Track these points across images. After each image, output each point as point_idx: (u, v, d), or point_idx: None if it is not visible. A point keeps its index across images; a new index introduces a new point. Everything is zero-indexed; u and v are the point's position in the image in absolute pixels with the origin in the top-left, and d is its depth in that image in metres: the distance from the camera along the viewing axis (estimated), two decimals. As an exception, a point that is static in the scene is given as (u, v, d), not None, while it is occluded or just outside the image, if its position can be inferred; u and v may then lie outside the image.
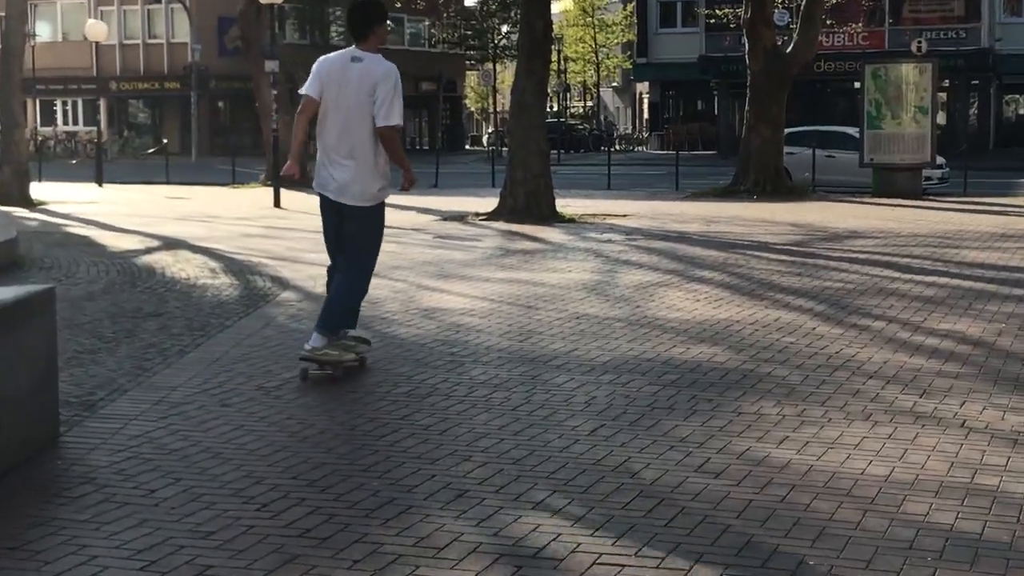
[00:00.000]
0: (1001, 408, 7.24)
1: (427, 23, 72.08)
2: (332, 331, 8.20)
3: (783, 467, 6.06)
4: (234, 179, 36.18)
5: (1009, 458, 6.18)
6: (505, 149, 34.17)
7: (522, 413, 7.22)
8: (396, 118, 8.06)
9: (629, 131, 78.95)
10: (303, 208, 23.43)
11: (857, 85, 28.73)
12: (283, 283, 13.16)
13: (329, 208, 8.36)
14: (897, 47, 48.25)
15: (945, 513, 5.33)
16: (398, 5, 58.46)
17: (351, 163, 8.15)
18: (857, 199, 26.64)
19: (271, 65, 31.20)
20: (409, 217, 21.80)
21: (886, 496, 5.58)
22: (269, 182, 30.29)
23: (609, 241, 17.64)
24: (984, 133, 56.81)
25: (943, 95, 52.86)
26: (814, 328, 9.98)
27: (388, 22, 8.46)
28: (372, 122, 8.06)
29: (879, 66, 28.43)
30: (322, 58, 8.43)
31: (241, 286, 13.00)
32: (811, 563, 4.76)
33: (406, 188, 8.62)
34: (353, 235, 8.30)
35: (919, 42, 30.87)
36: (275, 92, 31.78)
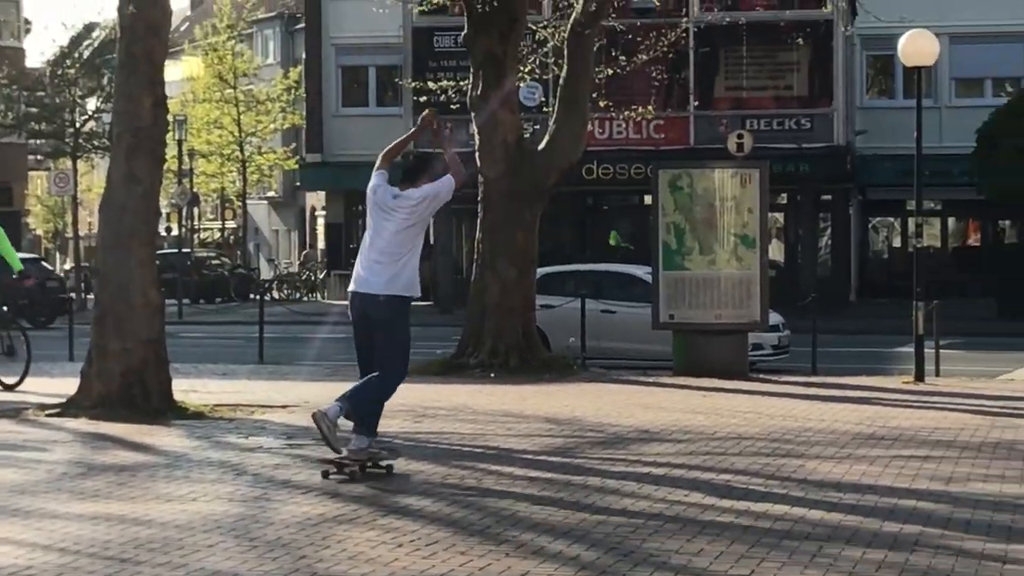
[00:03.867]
0: None
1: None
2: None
3: None
4: None
5: None
6: (92, 298, 33.84)
7: None
8: None
9: (295, 270, 79.24)
10: None
11: (648, 200, 29.49)
12: None
13: None
14: (706, 142, 50.07)
15: None
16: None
17: None
18: (651, 379, 27.22)
19: None
20: (-70, 410, 21.32)
21: None
22: None
23: (259, 448, 17.55)
24: (842, 276, 59.00)
25: (779, 217, 54.91)
26: (581, 589, 10.11)
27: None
28: None
29: (681, 172, 28.91)
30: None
31: None
32: None
33: None
34: None
35: (740, 135, 31.99)
36: None
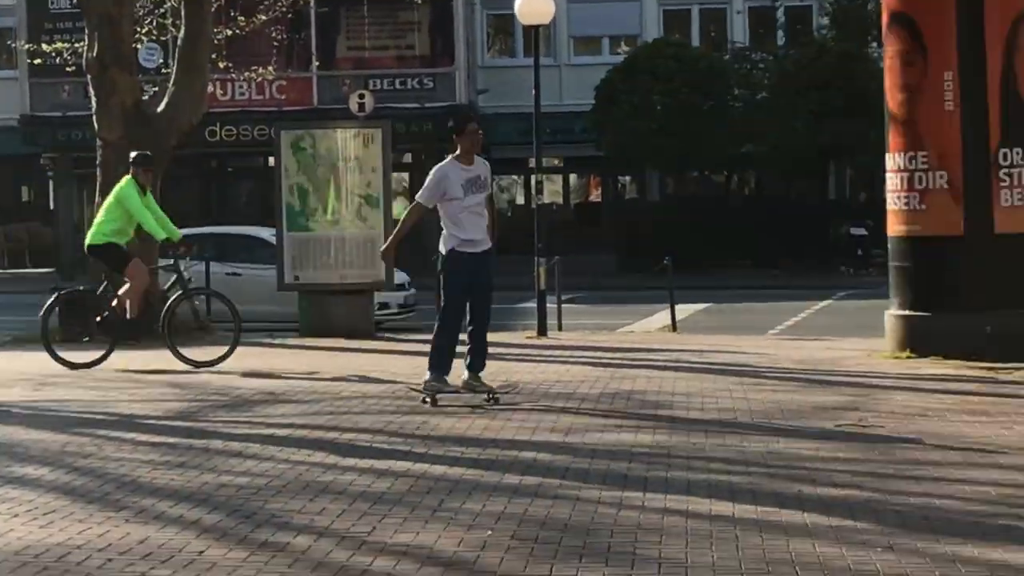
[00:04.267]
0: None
1: None
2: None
3: None
4: None
5: None
6: None
7: None
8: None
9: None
10: None
11: (271, 162, 29.42)
12: None
13: None
14: (330, 103, 50.10)
15: None
16: None
17: None
18: (277, 340, 27.18)
19: None
20: None
21: None
22: None
23: None
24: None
25: (403, 176, 55.12)
26: (201, 553, 10.09)
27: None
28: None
29: (303, 133, 28.80)
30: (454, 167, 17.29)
31: None
32: None
33: None
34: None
35: (362, 94, 32.13)
36: None
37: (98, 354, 22.32)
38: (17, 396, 19.14)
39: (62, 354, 22.34)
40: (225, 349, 22.59)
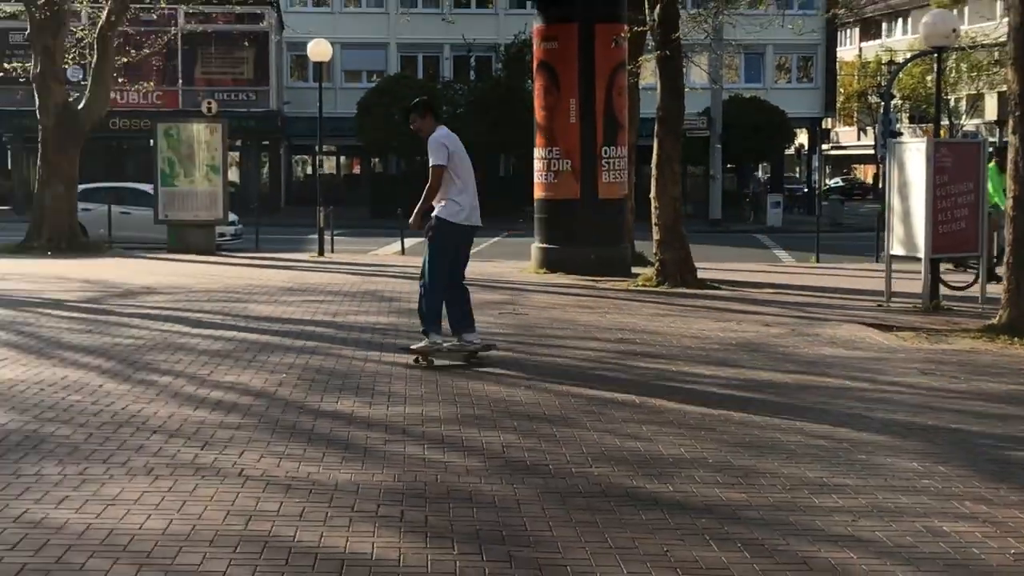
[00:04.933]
0: (278, 455, 7.53)
1: None
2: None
3: (60, 527, 5.95)
4: None
5: (282, 503, 6.44)
6: None
7: None
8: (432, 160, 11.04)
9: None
10: None
11: (151, 143, 28.78)
12: None
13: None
14: (190, 107, 48.79)
15: (218, 561, 5.47)
16: None
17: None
18: (153, 255, 26.65)
19: None
20: None
21: (162, 549, 5.63)
22: None
23: None
24: (276, 191, 58.87)
25: (236, 155, 54.19)
26: (101, 386, 9.86)
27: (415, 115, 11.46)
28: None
29: (171, 125, 28.64)
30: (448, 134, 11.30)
31: None
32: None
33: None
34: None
35: (209, 103, 31.38)
36: None
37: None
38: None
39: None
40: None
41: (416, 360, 11.16)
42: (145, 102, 48.79)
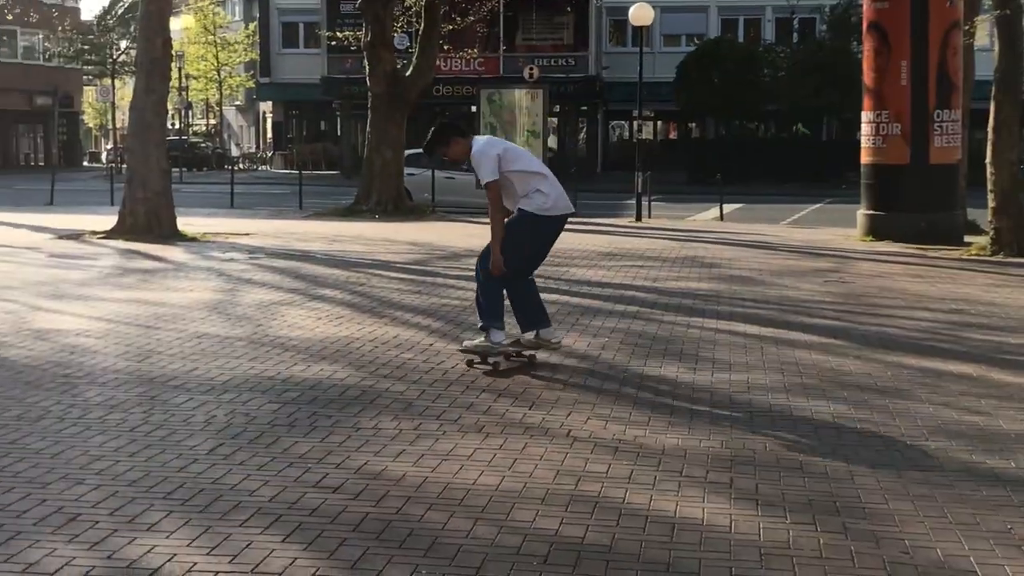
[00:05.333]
0: (603, 418, 7.59)
1: (41, 36, 69.22)
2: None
3: (399, 480, 6.17)
4: None
5: (610, 465, 6.49)
6: (125, 167, 33.20)
7: (139, 434, 7.06)
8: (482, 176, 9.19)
9: (252, 150, 78.03)
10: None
11: (474, 109, 29.44)
12: None
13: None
14: (511, 73, 49.78)
15: (550, 519, 5.56)
16: (10, 17, 56.01)
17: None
18: (474, 219, 27.28)
19: None
20: (22, 235, 20.86)
21: (496, 505, 5.77)
22: None
23: (231, 260, 17.41)
24: (592, 156, 59.37)
25: (554, 120, 54.91)
26: (431, 344, 10.18)
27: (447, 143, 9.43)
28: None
29: (494, 91, 29.30)
30: (489, 141, 9.40)
31: None
32: (424, 571, 4.87)
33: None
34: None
35: (531, 69, 32.00)
36: None
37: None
38: (317, 247, 19.34)
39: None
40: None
41: (471, 363, 9.28)
42: (468, 69, 49.81)
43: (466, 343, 9.54)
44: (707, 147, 54.66)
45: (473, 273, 10.01)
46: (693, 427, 7.40)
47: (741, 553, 5.18)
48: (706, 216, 30.79)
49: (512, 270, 9.34)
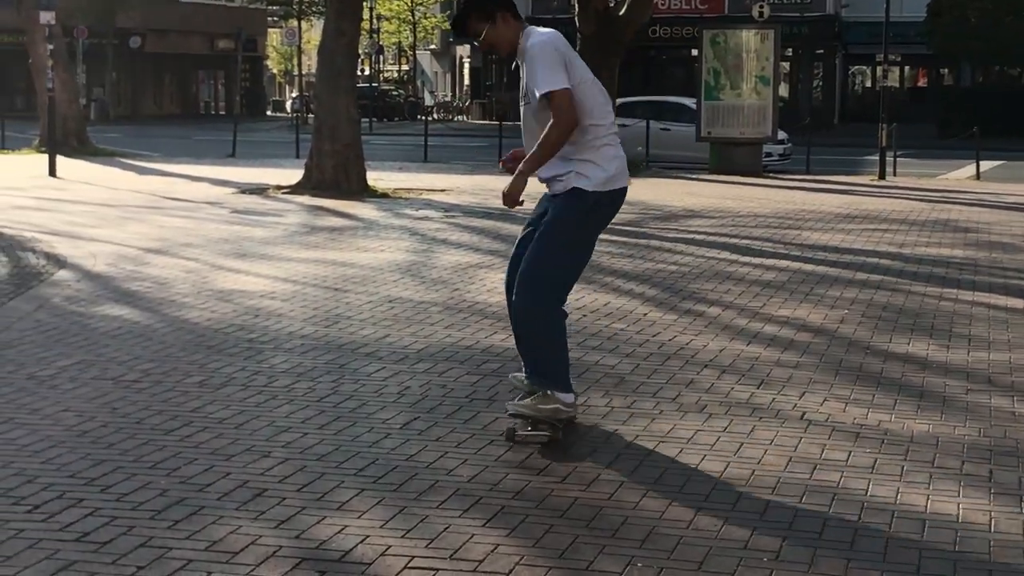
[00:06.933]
0: (843, 400, 7.47)
1: (225, -26, 71.18)
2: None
3: (610, 463, 6.17)
4: (3, 144, 35.18)
5: (850, 453, 6.38)
6: (311, 116, 33.95)
7: (328, 405, 7.21)
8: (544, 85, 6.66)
9: (448, 98, 78.99)
10: (82, 178, 22.91)
11: (695, 53, 29.33)
12: (59, 261, 12.88)
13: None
14: (737, 12, 49.20)
15: (782, 511, 5.49)
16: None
17: None
18: (693, 175, 27.16)
19: (47, 17, 30.43)
20: (203, 189, 21.49)
21: (720, 493, 5.72)
22: (44, 148, 29.52)
23: (425, 218, 17.66)
24: (829, 106, 58.44)
25: (786, 65, 54.20)
26: (645, 314, 10.16)
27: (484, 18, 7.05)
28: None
29: (718, 32, 29.10)
30: (556, 35, 6.84)
31: (10, 264, 12.69)
32: (639, 564, 4.86)
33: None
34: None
35: (761, 7, 31.50)
36: (51, 47, 30.97)
37: None
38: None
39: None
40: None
41: (513, 436, 6.50)
42: (688, 7, 49.66)
43: (514, 403, 6.77)
44: (962, 96, 53.21)
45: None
46: (946, 412, 7.23)
47: (1002, 555, 5.04)
48: (960, 174, 30.01)
49: (570, 285, 7.09)
